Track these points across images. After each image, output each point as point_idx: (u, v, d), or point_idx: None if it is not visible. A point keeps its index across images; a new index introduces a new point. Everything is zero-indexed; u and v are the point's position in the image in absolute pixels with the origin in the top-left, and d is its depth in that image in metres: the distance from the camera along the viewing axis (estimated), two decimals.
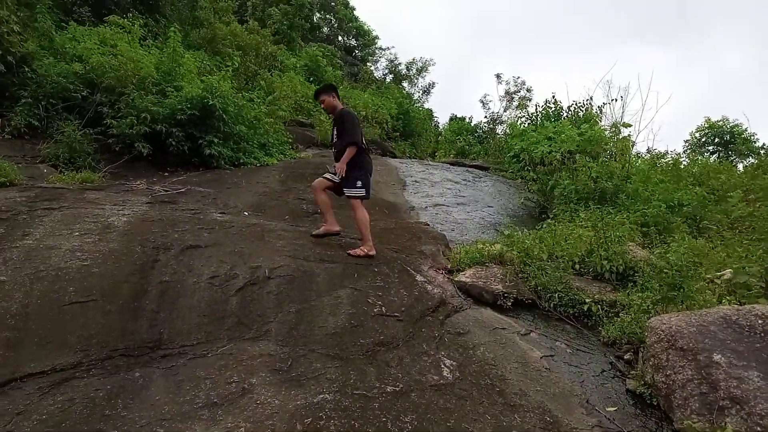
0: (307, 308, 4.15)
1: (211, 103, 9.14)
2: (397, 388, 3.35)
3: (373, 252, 5.38)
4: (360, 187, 5.45)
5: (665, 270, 4.86)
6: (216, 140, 9.51)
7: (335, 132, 5.63)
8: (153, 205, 6.20)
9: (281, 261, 4.72)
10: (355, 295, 4.42)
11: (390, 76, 32.63)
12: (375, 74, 30.74)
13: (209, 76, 10.20)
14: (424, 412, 3.13)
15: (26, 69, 9.57)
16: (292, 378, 3.36)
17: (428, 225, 7.39)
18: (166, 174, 9.20)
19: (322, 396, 3.16)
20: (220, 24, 16.43)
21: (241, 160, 10.11)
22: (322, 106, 5.85)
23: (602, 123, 12.39)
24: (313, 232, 5.71)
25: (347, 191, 5.46)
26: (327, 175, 5.59)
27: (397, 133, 19.05)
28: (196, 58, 11.88)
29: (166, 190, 7.48)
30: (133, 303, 3.83)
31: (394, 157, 15.74)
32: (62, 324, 3.51)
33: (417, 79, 32.50)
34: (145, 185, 7.93)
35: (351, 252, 5.33)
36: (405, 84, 31.82)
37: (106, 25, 11.67)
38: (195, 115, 9.19)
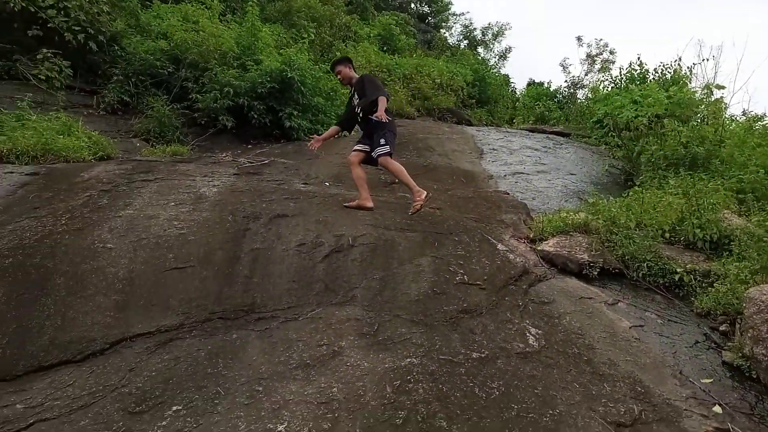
0: (390, 275, 4.23)
1: (289, 75, 9.30)
2: (483, 355, 3.38)
3: (425, 194, 5.29)
4: (384, 144, 5.40)
5: (765, 239, 4.60)
6: (295, 112, 9.70)
7: (356, 97, 5.63)
8: (240, 177, 6.43)
9: (363, 230, 4.80)
10: (436, 264, 4.45)
11: (465, 42, 31.90)
12: (449, 41, 30.17)
13: (287, 49, 10.35)
14: (511, 379, 3.15)
15: (116, 47, 10.06)
16: (379, 342, 3.45)
17: (508, 194, 7.29)
18: (249, 146, 9.50)
19: (409, 360, 3.23)
20: None
21: (320, 132, 10.26)
22: (339, 77, 5.89)
23: (692, 85, 11.70)
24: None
25: (376, 152, 5.43)
26: (358, 146, 5.62)
27: (473, 101, 18.70)
28: (272, 32, 12.06)
29: (251, 162, 7.73)
30: (227, 269, 4.03)
31: (470, 124, 15.51)
32: (164, 288, 3.75)
33: (493, 44, 31.59)
34: (230, 157, 8.22)
35: (413, 207, 5.25)
36: (480, 50, 31.04)
37: (186, 2, 12.02)
38: (275, 87, 9.39)
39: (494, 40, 31.11)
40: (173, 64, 9.87)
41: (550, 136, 13.36)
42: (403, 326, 3.64)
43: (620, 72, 13.88)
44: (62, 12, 9.16)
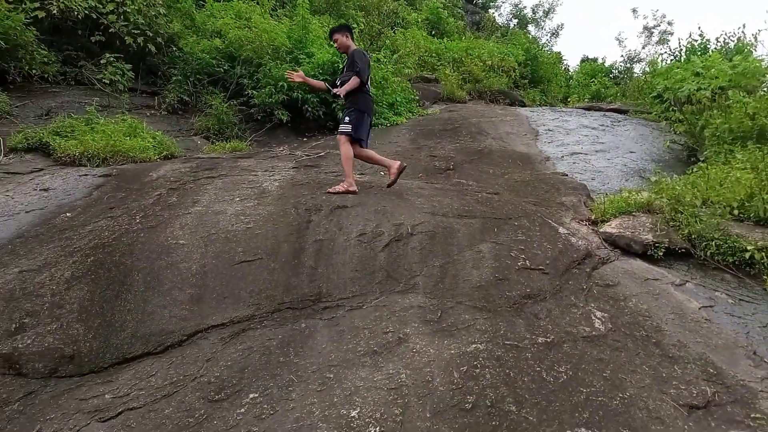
0: (450, 262, 4.26)
1: (341, 67, 9.39)
2: (548, 339, 3.38)
3: (353, 188, 5.41)
4: (347, 123, 5.47)
5: None
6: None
7: (344, 70, 5.62)
8: (299, 170, 6.58)
9: (422, 218, 4.85)
10: (497, 249, 4.45)
11: (514, 21, 31.31)
12: (498, 21, 29.65)
13: None
14: (578, 363, 3.15)
15: (173, 48, 10.40)
16: (443, 328, 3.50)
17: (566, 175, 7.17)
18: (305, 139, 9.68)
19: (474, 346, 3.27)
20: None
21: (372, 122, 10.33)
22: (336, 45, 5.84)
23: (758, 53, 11.15)
24: (329, 190, 5.50)
25: (339, 130, 5.56)
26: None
27: (526, 81, 18.36)
28: (322, 23, 12.18)
29: (308, 155, 7.88)
30: (293, 260, 4.16)
31: (524, 105, 15.25)
32: (235, 281, 3.91)
33: (543, 21, 30.91)
34: (287, 151, 8.41)
35: (330, 189, 5.39)
36: (531, 28, 30.42)
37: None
38: (327, 79, 9.50)
39: (545, 17, 30.44)
40: (228, 62, 10.14)
41: (607, 113, 12.99)
42: (466, 312, 3.68)
43: (679, 43, 13.35)
44: (122, 17, 9.53)
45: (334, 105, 9.65)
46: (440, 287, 3.97)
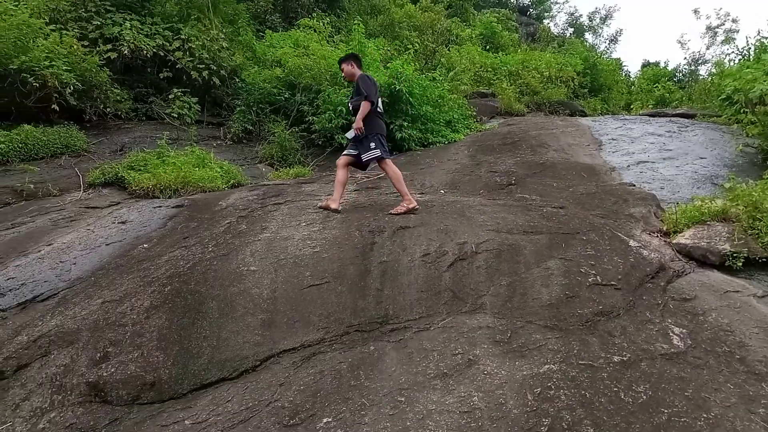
0: (518, 281, 4.21)
1: (398, 88, 9.50)
2: (625, 358, 3.28)
3: (413, 205, 5.47)
4: (374, 148, 5.56)
5: None
6: (405, 123, 9.87)
7: (354, 96, 5.76)
8: (360, 192, 6.68)
9: (485, 235, 4.81)
10: (565, 266, 4.36)
11: (570, 30, 30.85)
12: (553, 31, 29.28)
13: (393, 62, 10.58)
14: (658, 382, 3.03)
15: (236, 80, 10.81)
16: (513, 349, 3.45)
17: (634, 185, 6.96)
18: None
19: (547, 366, 3.21)
20: (395, 8, 16.88)
21: (430, 140, 10.38)
22: (343, 74, 5.96)
23: None
24: (318, 204, 5.76)
25: (365, 157, 5.62)
26: (347, 150, 5.77)
27: (585, 90, 18.02)
28: (377, 46, 12.37)
29: (368, 177, 7.98)
30: (359, 283, 4.21)
31: (585, 115, 14.93)
32: (304, 305, 3.98)
33: (601, 28, 30.35)
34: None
35: (392, 211, 5.46)
36: (588, 36, 29.90)
37: (296, 28, 12.64)
38: (384, 102, 9.62)
39: (602, 24, 29.84)
40: (289, 90, 10.44)
41: (673, 119, 12.56)
42: (537, 332, 3.61)
43: (747, 42, 12.78)
44: (188, 53, 10.01)
45: (391, 126, 9.74)
46: (508, 306, 3.92)
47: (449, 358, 3.39)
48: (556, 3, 32.29)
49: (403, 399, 3.03)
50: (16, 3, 9.34)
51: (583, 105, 16.52)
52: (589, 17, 30.77)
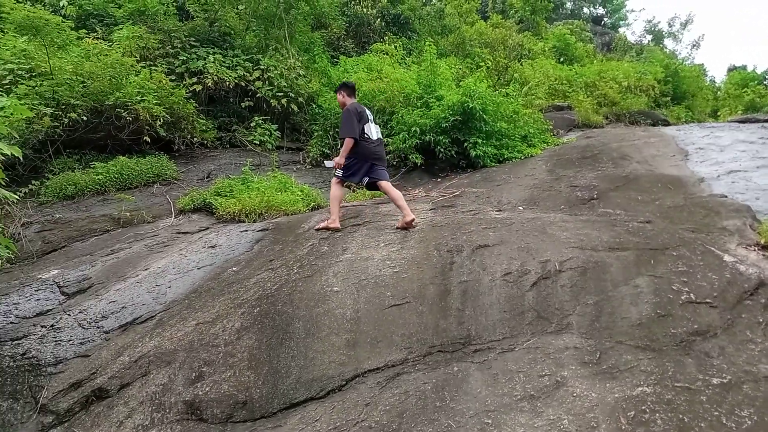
0: (605, 299, 4.08)
1: (471, 106, 9.48)
2: (725, 380, 3.11)
3: (335, 225, 5.80)
4: (341, 169, 5.87)
5: None
6: (480, 141, 9.83)
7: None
8: (436, 211, 6.69)
9: (569, 253, 4.71)
10: (655, 283, 4.19)
11: (648, 37, 29.83)
12: (630, 39, 28.40)
13: (465, 80, 10.60)
14: (763, 406, 2.86)
15: (313, 106, 11.16)
16: (603, 371, 3.35)
17: (725, 196, 6.60)
18: (439, 180, 9.83)
19: (640, 389, 3.09)
20: (466, 26, 16.92)
21: (505, 156, 10.27)
22: (338, 102, 6.27)
23: None
24: (316, 227, 6.03)
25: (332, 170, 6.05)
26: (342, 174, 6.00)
27: (667, 98, 17.33)
28: (449, 65, 12.44)
29: (443, 195, 7.99)
30: (440, 303, 4.22)
31: (668, 124, 14.35)
32: (386, 325, 4.03)
33: (681, 34, 29.21)
34: (423, 192, 8.58)
35: (316, 226, 5.95)
36: (667, 42, 28.79)
37: (369, 52, 12.92)
38: (457, 120, 9.64)
39: (683, 29, 28.69)
40: None
41: (765, 125, 11.85)
42: (627, 353, 3.49)
43: None
44: (267, 82, 10.43)
45: (466, 144, 9.73)
46: (596, 326, 3.81)
47: (536, 380, 3.33)
48: (632, 11, 31.35)
49: (490, 421, 3.01)
50: (110, 44, 10.08)
51: (666, 114, 15.89)
52: (669, 23, 29.64)
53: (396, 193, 5.83)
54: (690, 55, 27.78)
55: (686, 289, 4.07)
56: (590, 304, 4.04)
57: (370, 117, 6.07)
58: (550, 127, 12.32)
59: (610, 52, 24.27)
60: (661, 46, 26.78)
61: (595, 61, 19.15)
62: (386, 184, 5.91)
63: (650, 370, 3.27)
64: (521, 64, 16.60)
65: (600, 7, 31.82)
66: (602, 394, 3.09)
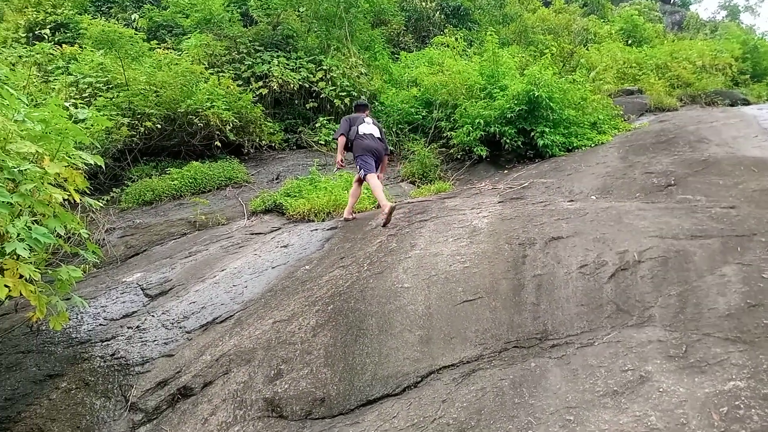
0: (689, 290, 3.90)
1: (537, 94, 9.27)
2: None
3: (387, 209, 6.01)
4: (360, 170, 6.68)
5: None
6: (547, 129, 9.59)
7: None
8: (505, 203, 6.58)
9: (648, 242, 4.52)
10: (744, 271, 3.97)
11: (722, 13, 28.26)
12: (702, 16, 26.99)
13: (530, 68, 10.37)
14: None
15: (376, 103, 11.18)
16: (691, 365, 3.19)
17: None
18: (505, 171, 9.66)
19: (732, 383, 2.93)
20: (528, 13, 16.56)
21: (574, 144, 9.97)
22: None
23: None
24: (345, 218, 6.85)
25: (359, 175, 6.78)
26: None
27: (746, 76, 16.35)
28: (511, 54, 12.21)
29: (511, 187, 7.85)
30: (514, 297, 4.14)
31: (748, 104, 13.56)
32: (459, 320, 4.00)
33: (759, 7, 27.51)
34: (489, 185, 8.46)
35: (379, 222, 6.24)
36: (744, 17, 27.18)
37: (429, 46, 12.86)
38: (523, 109, 9.45)
39: (761, 2, 27.05)
40: (426, 108, 10.64)
41: None
42: (716, 345, 3.32)
43: None
44: (330, 82, 10.57)
45: (533, 133, 9.52)
46: (680, 318, 3.64)
47: (618, 375, 3.21)
48: None
49: (572, 418, 2.93)
50: (179, 53, 10.48)
51: (746, 93, 15.00)
52: None
53: (375, 183, 6.50)
54: None
55: None
56: (673, 295, 3.87)
57: (367, 121, 6.98)
58: (621, 112, 11.88)
59: (682, 31, 23.15)
60: (738, 21, 25.32)
61: (665, 42, 18.31)
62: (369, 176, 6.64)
63: (742, 363, 3.09)
64: (587, 49, 16.09)
65: None
66: (691, 389, 2.94)
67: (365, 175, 6.59)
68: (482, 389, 3.38)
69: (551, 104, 9.54)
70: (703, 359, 3.21)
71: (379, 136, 6.95)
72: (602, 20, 20.04)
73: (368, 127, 6.90)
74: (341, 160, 6.90)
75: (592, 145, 10.00)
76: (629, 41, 18.37)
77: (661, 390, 2.99)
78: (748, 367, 3.05)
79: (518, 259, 4.60)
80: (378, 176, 6.78)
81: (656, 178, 7.05)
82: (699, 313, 3.65)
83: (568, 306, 3.99)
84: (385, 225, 5.97)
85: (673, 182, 6.72)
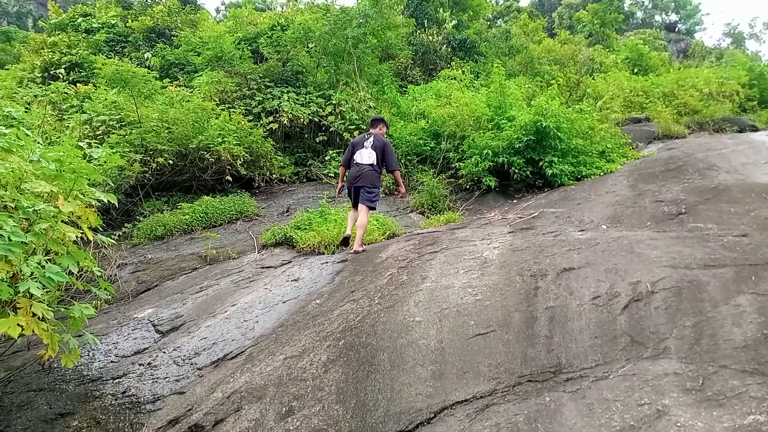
0: (704, 320, 3.85)
1: (544, 125, 9.33)
2: None
3: (355, 247, 6.71)
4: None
5: None
6: (555, 159, 9.63)
7: None
8: (515, 234, 6.57)
9: (661, 273, 4.49)
10: (759, 301, 3.92)
11: (727, 40, 28.46)
12: (707, 44, 27.19)
13: (537, 99, 10.46)
14: None
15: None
16: (708, 398, 3.14)
17: None
18: (515, 201, 9.67)
19: (752, 417, 2.87)
20: (533, 45, 16.77)
21: (583, 173, 9.99)
22: None
23: None
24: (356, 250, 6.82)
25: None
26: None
27: (754, 103, 16.43)
28: (518, 85, 12.32)
29: (520, 217, 7.84)
30: (526, 330, 4.11)
31: (756, 130, 13.58)
32: (472, 354, 3.96)
33: (765, 34, 27.71)
34: (499, 215, 8.46)
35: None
36: (749, 44, 27.36)
37: (437, 79, 13.02)
38: (531, 139, 9.50)
39: (766, 29, 27.22)
40: (434, 140, 10.73)
41: None
42: (734, 378, 3.26)
43: None
44: (339, 116, 10.70)
45: (541, 163, 9.55)
46: (696, 350, 3.59)
47: (635, 409, 3.16)
48: (708, 14, 30.08)
49: None
50: (191, 90, 10.67)
51: (753, 119, 15.05)
52: (750, 24, 28.22)
53: (357, 215, 6.92)
54: None
55: None
56: (688, 326, 3.83)
57: (366, 144, 7.09)
58: (629, 140, 11.93)
59: (687, 58, 23.32)
60: (743, 48, 25.45)
61: (671, 70, 18.46)
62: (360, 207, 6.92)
63: (762, 396, 3.04)
64: (593, 79, 16.23)
65: (673, 14, 30.71)
66: (709, 423, 2.89)
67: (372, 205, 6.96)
68: (497, 425, 3.33)
69: (559, 134, 9.59)
70: (721, 392, 3.15)
71: (369, 162, 6.99)
72: (607, 50, 20.25)
73: (362, 153, 7.04)
74: (339, 189, 7.40)
75: (601, 173, 10.01)
76: (635, 70, 18.52)
77: (678, 425, 2.93)
78: (767, 400, 3.00)
79: (530, 291, 4.57)
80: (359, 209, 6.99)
81: (667, 206, 7.03)
82: (715, 344, 3.60)
83: (582, 338, 3.95)
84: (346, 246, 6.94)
85: (683, 210, 6.69)
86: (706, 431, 2.83)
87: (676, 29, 29.95)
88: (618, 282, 4.45)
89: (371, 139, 7.11)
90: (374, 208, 7.12)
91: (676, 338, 3.74)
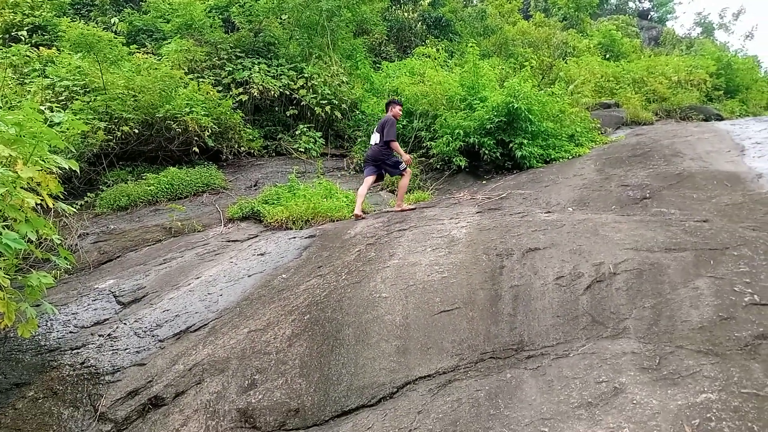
0: (663, 302, 3.93)
1: (516, 106, 9.34)
2: None
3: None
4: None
5: None
6: (525, 141, 9.66)
7: None
8: (482, 214, 6.61)
9: (623, 255, 4.57)
10: (716, 284, 4.02)
11: (697, 30, 28.88)
12: (678, 32, 27.56)
13: (509, 81, 10.46)
14: None
15: (357, 112, 11.21)
16: (664, 376, 3.22)
17: None
18: (483, 182, 9.71)
19: (705, 395, 2.96)
20: (508, 26, 16.74)
21: (552, 156, 10.07)
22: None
23: None
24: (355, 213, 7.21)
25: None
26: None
27: (720, 92, 16.74)
28: (492, 66, 12.31)
29: (489, 198, 7.89)
30: (491, 308, 4.15)
31: (721, 119, 13.85)
32: (436, 331, 3.99)
33: (733, 25, 28.14)
34: (468, 195, 8.49)
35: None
36: (718, 34, 27.83)
37: (411, 56, 12.92)
38: (502, 121, 9.51)
39: (735, 20, 27.75)
40: (406, 118, 10.65)
41: None
42: (688, 358, 3.35)
43: None
44: (311, 90, 10.55)
45: (511, 145, 9.59)
46: (654, 330, 3.67)
47: (593, 387, 3.23)
48: (680, 3, 30.43)
49: (546, 429, 2.94)
50: (159, 58, 10.38)
51: (719, 108, 15.35)
52: (720, 14, 28.67)
53: (360, 190, 7.40)
54: (743, 46, 26.93)
55: (749, 290, 3.88)
56: (647, 307, 3.91)
57: (378, 127, 7.52)
58: (598, 125, 12.05)
59: (658, 46, 23.61)
60: (712, 38, 25.88)
61: (642, 57, 18.67)
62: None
63: (714, 375, 3.13)
64: (566, 63, 16.32)
65: (646, 1, 31.00)
66: (664, 401, 2.96)
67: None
68: (458, 400, 3.37)
69: (530, 116, 9.62)
70: (676, 371, 3.23)
71: (375, 141, 7.50)
72: (581, 34, 20.35)
73: (373, 135, 7.61)
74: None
75: (570, 157, 10.11)
76: (607, 55, 18.68)
77: (634, 402, 3.01)
78: (719, 379, 3.08)
79: (495, 270, 4.61)
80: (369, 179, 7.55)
81: (632, 191, 7.15)
82: (672, 325, 3.69)
83: (545, 317, 4.00)
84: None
85: (648, 195, 6.82)
86: (660, 409, 2.90)
87: (649, 17, 30.25)
88: (582, 263, 4.51)
89: (380, 121, 7.58)
90: (403, 173, 7.58)
91: (636, 319, 3.81)
